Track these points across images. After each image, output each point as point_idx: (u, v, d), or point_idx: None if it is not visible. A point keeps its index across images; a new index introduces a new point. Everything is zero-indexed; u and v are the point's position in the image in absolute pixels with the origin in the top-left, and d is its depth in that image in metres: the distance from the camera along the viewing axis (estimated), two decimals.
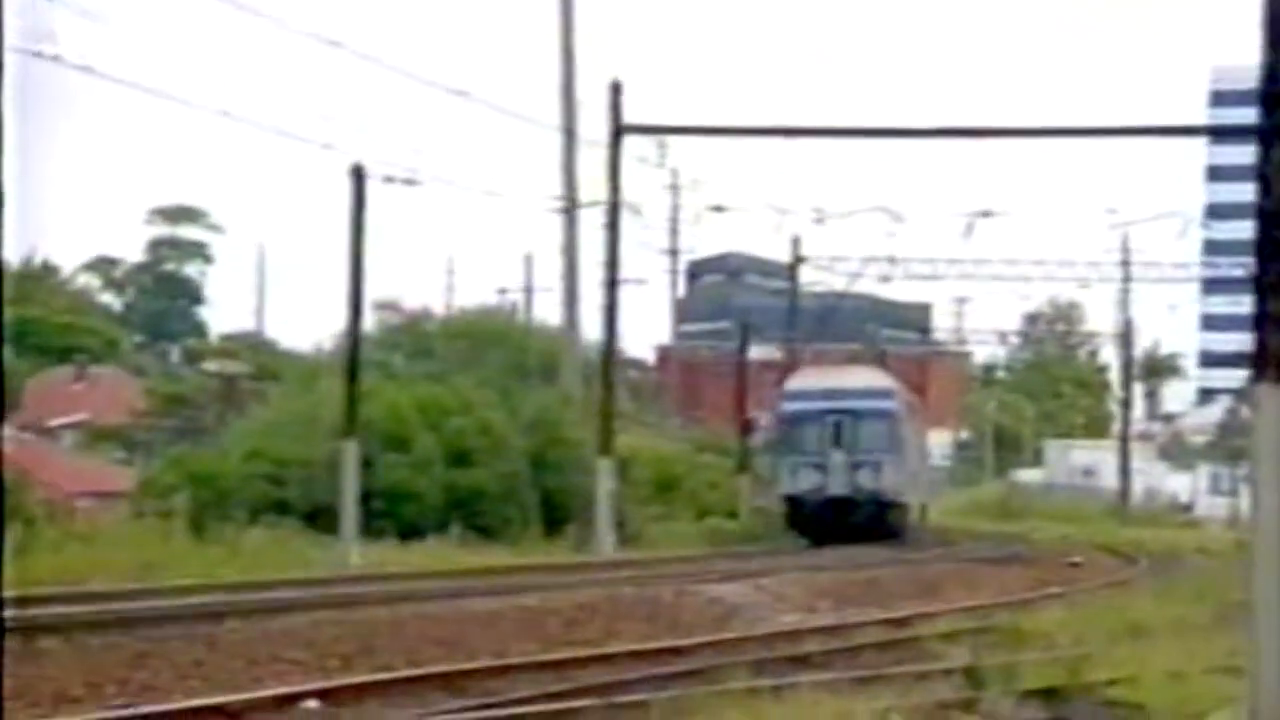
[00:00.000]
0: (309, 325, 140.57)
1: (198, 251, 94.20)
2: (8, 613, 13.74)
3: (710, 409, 79.60)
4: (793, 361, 68.02)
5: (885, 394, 39.85)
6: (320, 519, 34.08)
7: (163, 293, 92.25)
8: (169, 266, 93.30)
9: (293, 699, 14.06)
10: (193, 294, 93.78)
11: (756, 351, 64.99)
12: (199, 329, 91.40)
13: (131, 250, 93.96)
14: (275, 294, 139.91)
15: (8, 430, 35.86)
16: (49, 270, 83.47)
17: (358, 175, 33.06)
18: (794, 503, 38.13)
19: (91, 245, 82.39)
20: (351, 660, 16.97)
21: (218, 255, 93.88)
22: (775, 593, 26.48)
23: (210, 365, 64.68)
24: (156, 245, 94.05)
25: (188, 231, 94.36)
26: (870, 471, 37.89)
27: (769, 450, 41.53)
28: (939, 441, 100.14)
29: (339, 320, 35.30)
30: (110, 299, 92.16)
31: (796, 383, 40.92)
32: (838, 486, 37.32)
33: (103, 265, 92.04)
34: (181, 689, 14.72)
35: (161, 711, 13.03)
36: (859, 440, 37.73)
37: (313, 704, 13.96)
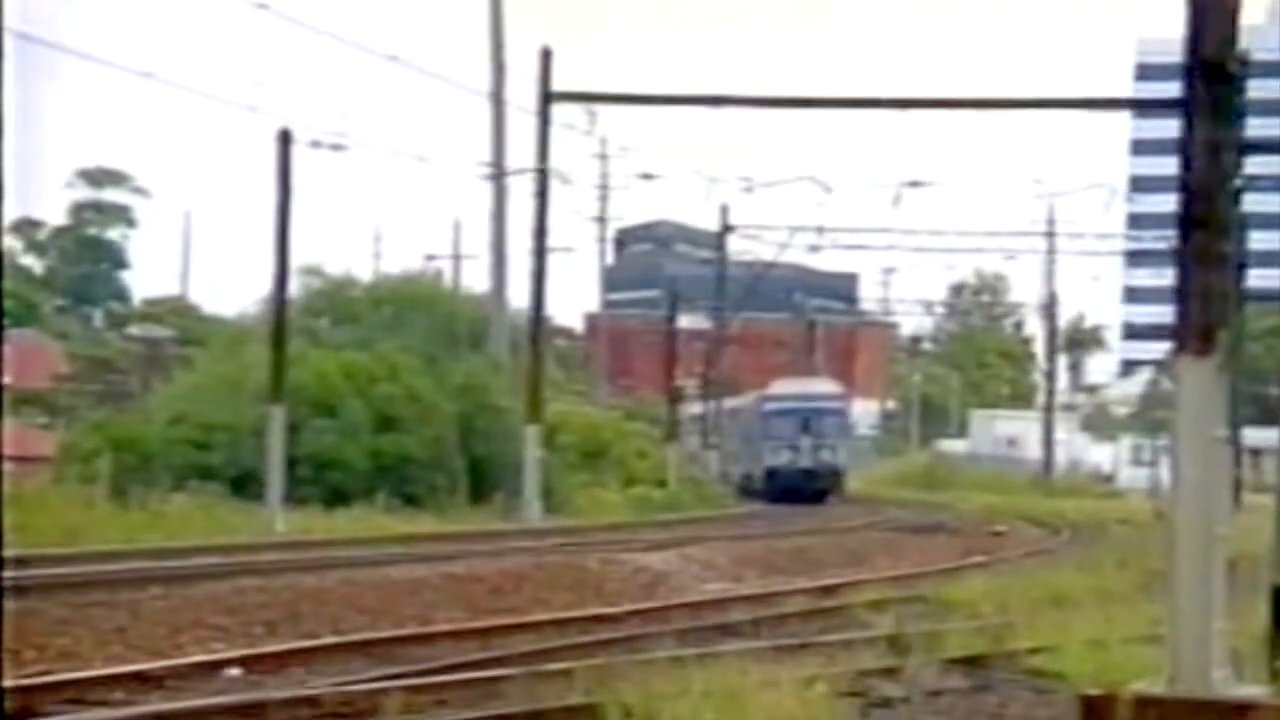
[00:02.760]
0: (234, 290, 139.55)
1: (121, 215, 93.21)
2: None
3: (639, 378, 79.66)
4: (720, 330, 68.20)
5: (837, 398, 57.97)
6: (245, 485, 33.88)
7: (86, 256, 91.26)
8: (92, 230, 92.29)
9: (215, 666, 13.97)
10: (116, 258, 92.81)
11: (685, 320, 65.12)
12: (122, 294, 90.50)
13: (54, 213, 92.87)
14: (200, 259, 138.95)
15: None
16: None
17: (284, 140, 32.78)
18: (773, 472, 53.09)
19: (13, 208, 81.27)
20: (275, 627, 16.89)
21: (142, 219, 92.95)
22: (702, 561, 26.57)
23: (134, 330, 64.10)
24: (80, 209, 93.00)
25: (112, 195, 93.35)
26: (828, 451, 53.96)
27: (732, 437, 55.82)
28: (866, 411, 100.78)
29: (264, 286, 35.11)
30: (31, 262, 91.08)
31: (776, 389, 56.53)
32: (806, 461, 52.90)
33: (25, 228, 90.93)
34: (102, 655, 14.60)
35: (82, 678, 12.93)
36: (820, 430, 53.70)
37: (235, 671, 13.89)
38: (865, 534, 36.70)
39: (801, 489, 51.11)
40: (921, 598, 20.77)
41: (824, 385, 57.69)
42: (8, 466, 33.32)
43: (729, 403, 62.15)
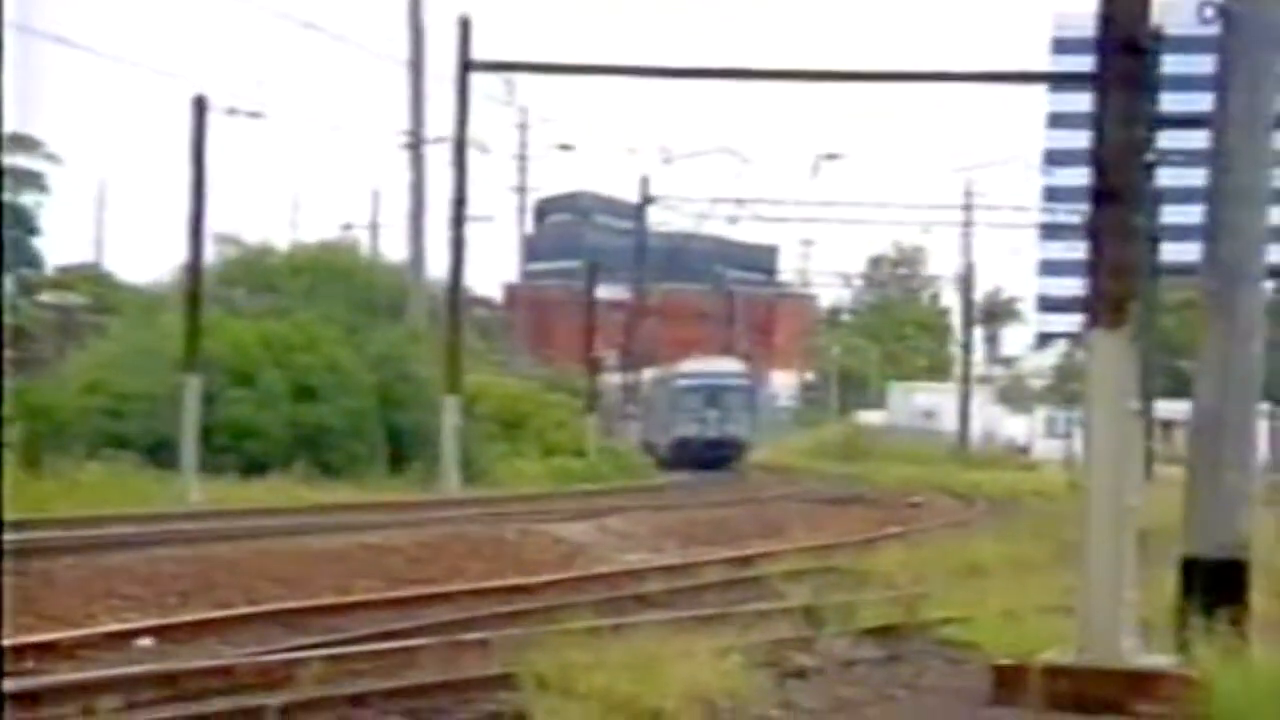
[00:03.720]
0: (149, 258, 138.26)
1: (34, 181, 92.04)
2: None
3: (558, 348, 79.55)
4: (640, 301, 68.32)
5: (740, 375, 62.48)
6: (161, 454, 33.58)
7: None
8: (3, 196, 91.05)
9: (128, 636, 13.86)
10: (28, 224, 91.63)
11: (605, 291, 65.14)
12: (34, 260, 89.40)
13: None
14: (114, 226, 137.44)
15: None
16: None
17: (200, 107, 32.46)
18: (683, 442, 56.52)
19: None
20: (189, 597, 16.78)
21: (55, 186, 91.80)
22: (621, 532, 26.62)
23: (47, 297, 63.32)
24: None
25: (22, 160, 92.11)
26: (732, 424, 58.31)
27: (652, 409, 58.58)
28: (785, 383, 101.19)
29: (180, 253, 34.74)
30: None
31: (686, 367, 60.37)
32: (712, 432, 57.15)
33: None
34: (13, 625, 14.43)
35: None
36: (725, 404, 58.18)
37: (148, 641, 13.78)
38: (784, 505, 36.87)
39: (708, 458, 55.21)
40: (838, 568, 20.88)
41: (729, 364, 62.34)
42: None
43: (647, 375, 64.98)
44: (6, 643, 13.21)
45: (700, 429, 57.19)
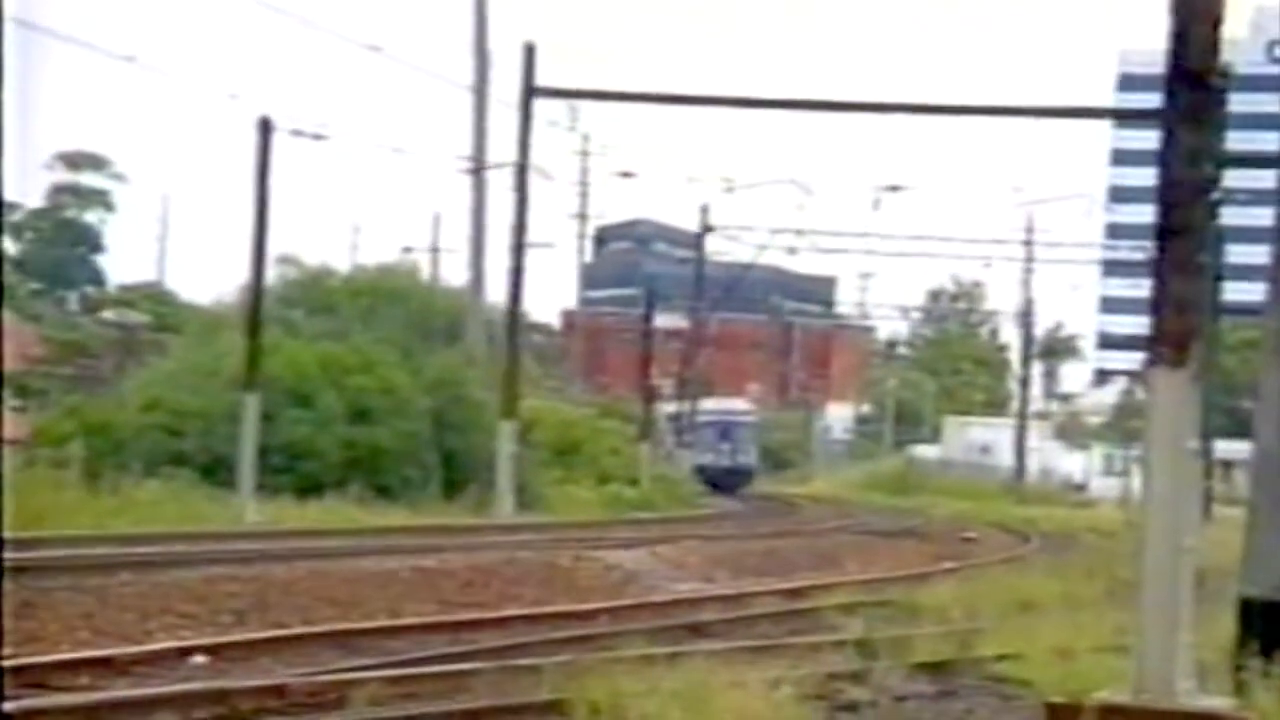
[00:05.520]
0: (210, 278, 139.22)
1: (99, 199, 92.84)
2: None
3: (614, 375, 79.62)
4: (697, 330, 68.35)
5: (748, 413, 72.82)
6: (218, 473, 33.74)
7: (62, 240, 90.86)
8: (69, 213, 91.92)
9: (183, 653, 13.93)
10: (92, 242, 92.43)
11: (662, 319, 65.22)
12: (98, 278, 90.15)
13: (31, 196, 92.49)
14: (177, 245, 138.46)
15: None
16: None
17: (265, 128, 32.69)
18: (701, 468, 62.33)
19: None
20: (244, 616, 16.85)
21: (119, 204, 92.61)
22: (673, 561, 26.57)
23: (109, 314, 63.84)
24: (57, 191, 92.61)
25: (89, 179, 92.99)
26: (742, 454, 68.39)
27: (684, 441, 64.00)
28: (840, 415, 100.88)
29: (241, 273, 35.00)
30: (7, 244, 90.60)
31: (706, 406, 67.97)
32: (725, 460, 66.32)
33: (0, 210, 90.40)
34: (69, 640, 14.55)
35: (47, 663, 12.87)
36: (735, 438, 68.20)
37: (202, 659, 13.84)
38: (836, 537, 36.74)
39: (722, 483, 62.83)
40: (890, 602, 20.79)
41: (740, 403, 73.51)
42: None
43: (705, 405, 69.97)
44: (62, 657, 13.31)
45: (715, 458, 65.65)
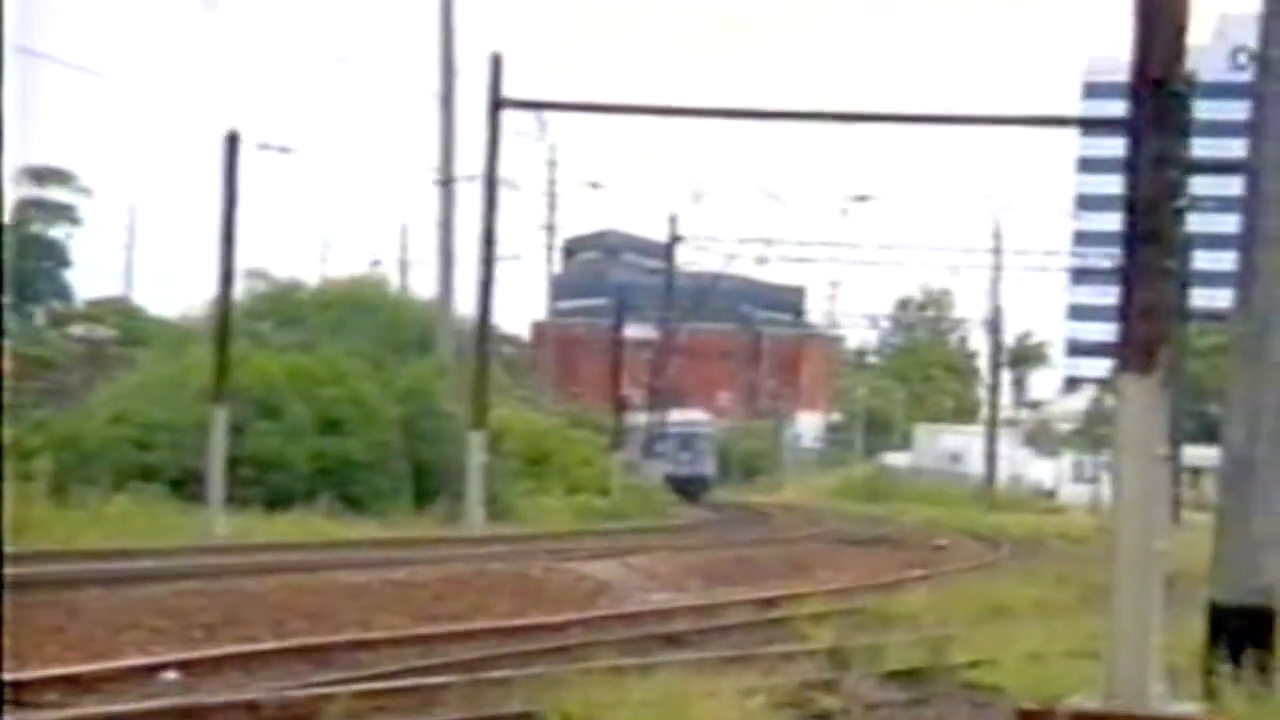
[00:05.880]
0: (178, 292, 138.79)
1: (65, 214, 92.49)
2: None
3: (585, 386, 79.59)
4: (667, 340, 68.42)
5: (707, 424, 74.67)
6: (187, 486, 33.61)
7: (28, 254, 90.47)
8: (35, 228, 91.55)
9: (153, 669, 13.87)
10: (59, 257, 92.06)
11: (632, 329, 65.23)
12: (64, 292, 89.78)
13: None
14: (144, 259, 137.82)
15: None
16: None
17: (231, 142, 32.61)
18: (669, 477, 64.14)
19: None
20: (215, 631, 16.78)
21: (86, 218, 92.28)
22: (645, 570, 26.55)
23: (76, 329, 63.58)
24: (23, 206, 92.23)
25: (55, 193, 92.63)
26: (700, 464, 70.04)
27: (651, 451, 66.20)
28: (810, 424, 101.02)
29: (208, 287, 34.87)
30: None
31: (672, 418, 69.87)
32: (685, 470, 67.57)
33: None
34: (39, 656, 14.47)
35: (15, 680, 12.79)
36: (695, 448, 69.96)
37: (173, 675, 13.78)
38: (808, 545, 36.77)
39: (683, 490, 64.73)
40: (862, 610, 20.81)
41: (699, 414, 75.70)
42: None
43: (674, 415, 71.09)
44: (32, 674, 13.23)
45: (675, 467, 67.69)
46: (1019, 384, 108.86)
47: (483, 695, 12.70)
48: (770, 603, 22.36)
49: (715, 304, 76.69)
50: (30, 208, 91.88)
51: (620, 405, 58.23)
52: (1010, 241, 73.60)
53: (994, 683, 14.14)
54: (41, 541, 24.15)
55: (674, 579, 26.17)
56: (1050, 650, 14.55)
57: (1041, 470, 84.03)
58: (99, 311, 72.51)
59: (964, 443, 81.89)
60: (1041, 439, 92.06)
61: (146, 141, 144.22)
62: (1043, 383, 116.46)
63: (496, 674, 13.59)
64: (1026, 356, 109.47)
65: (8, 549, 22.32)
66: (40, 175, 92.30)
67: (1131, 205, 10.34)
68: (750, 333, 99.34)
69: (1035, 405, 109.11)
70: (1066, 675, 12.66)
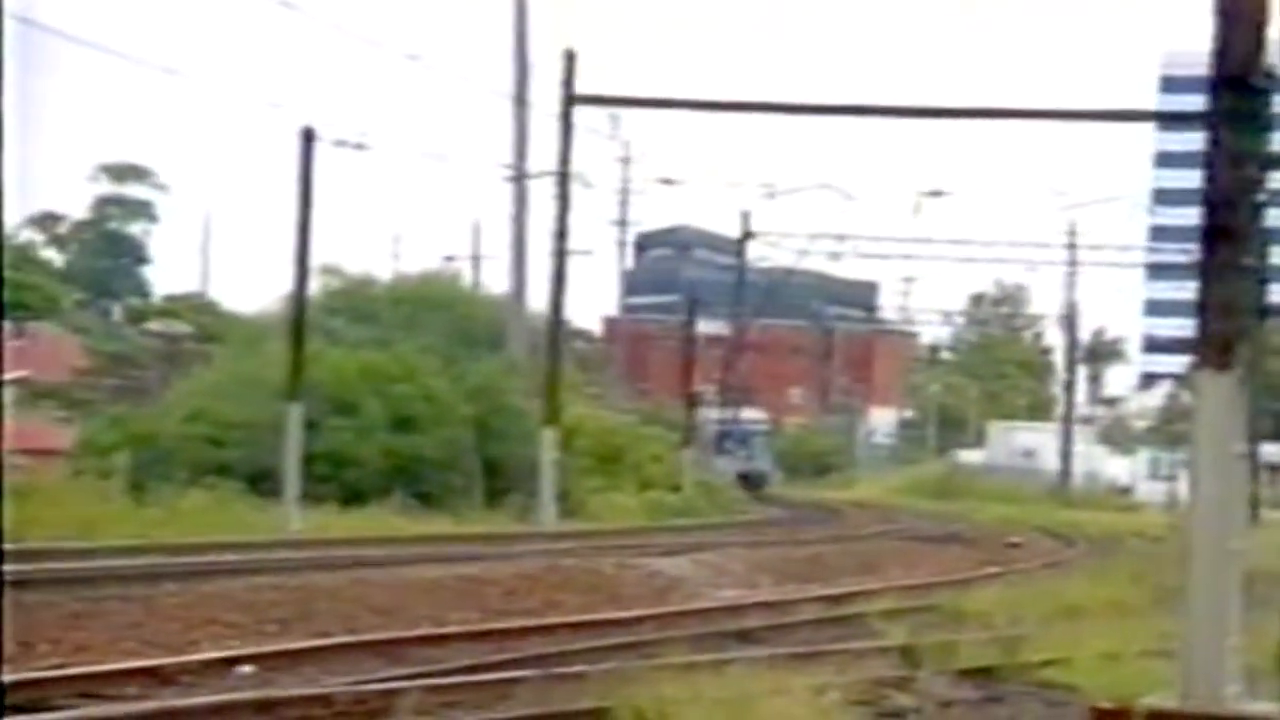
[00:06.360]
0: (253, 287, 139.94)
1: (143, 210, 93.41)
2: None
3: (656, 382, 79.65)
4: (738, 336, 68.37)
5: (764, 423, 77.79)
6: (262, 482, 33.87)
7: (106, 251, 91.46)
8: (113, 225, 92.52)
9: (228, 663, 13.98)
10: (137, 253, 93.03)
11: (704, 325, 65.18)
12: (142, 289, 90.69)
13: (75, 207, 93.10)
14: (220, 255, 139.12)
15: None
16: None
17: (307, 138, 32.82)
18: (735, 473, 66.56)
19: (34, 201, 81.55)
20: (289, 626, 16.90)
21: (163, 214, 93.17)
22: (716, 567, 26.53)
23: (153, 325, 64.19)
24: (101, 203, 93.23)
25: (133, 190, 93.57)
26: (758, 460, 71.71)
27: (721, 448, 68.99)
28: (883, 420, 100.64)
29: (283, 283, 35.10)
30: (52, 255, 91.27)
31: (724, 417, 72.54)
32: (745, 465, 69.01)
33: (46, 221, 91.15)
34: (116, 650, 14.62)
35: (95, 673, 12.94)
36: (753, 445, 72.29)
37: (248, 668, 13.89)
38: (880, 542, 36.64)
39: (747, 483, 66.69)
40: (935, 607, 20.71)
41: (757, 413, 78.05)
42: (24, 460, 33.39)
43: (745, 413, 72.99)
44: (110, 667, 13.37)
45: (739, 463, 70.11)
46: (1094, 380, 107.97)
47: (555, 691, 12.73)
48: (841, 599, 22.29)
49: (787, 300, 76.63)
50: (109, 204, 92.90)
51: (691, 402, 58.18)
52: (1085, 236, 72.88)
53: (1068, 682, 14.05)
54: (119, 537, 24.42)
55: (745, 575, 26.14)
56: (1125, 650, 14.43)
57: (1117, 468, 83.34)
58: (176, 307, 73.19)
59: (1038, 440, 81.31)
60: (1117, 436, 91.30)
61: (224, 138, 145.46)
62: (1118, 379, 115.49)
63: (568, 669, 13.62)
64: (1102, 353, 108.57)
65: (86, 544, 22.58)
66: (119, 172, 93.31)
67: (1209, 200, 10.24)
68: (822, 329, 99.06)
69: (1111, 402, 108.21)
70: (1141, 675, 12.56)
